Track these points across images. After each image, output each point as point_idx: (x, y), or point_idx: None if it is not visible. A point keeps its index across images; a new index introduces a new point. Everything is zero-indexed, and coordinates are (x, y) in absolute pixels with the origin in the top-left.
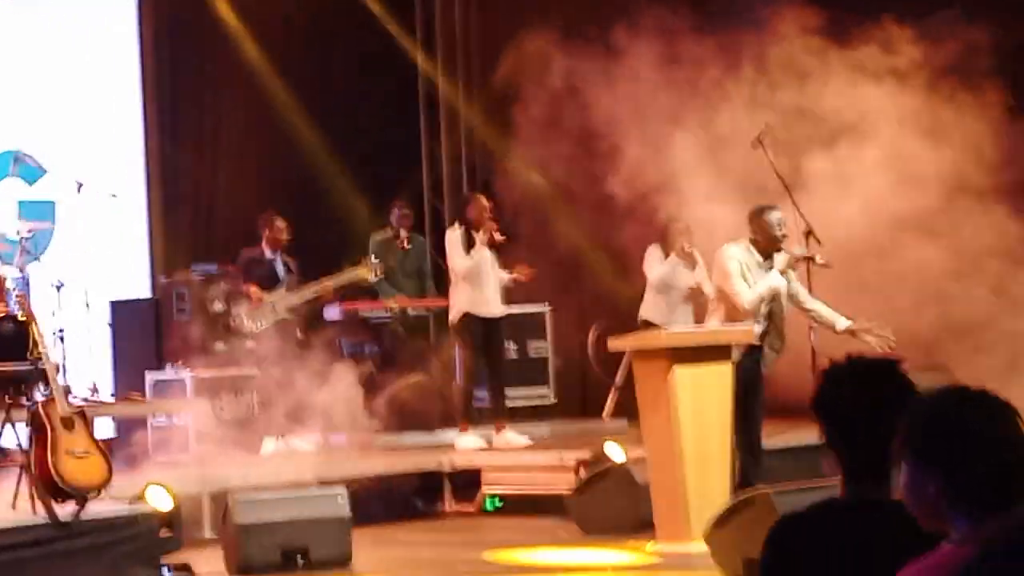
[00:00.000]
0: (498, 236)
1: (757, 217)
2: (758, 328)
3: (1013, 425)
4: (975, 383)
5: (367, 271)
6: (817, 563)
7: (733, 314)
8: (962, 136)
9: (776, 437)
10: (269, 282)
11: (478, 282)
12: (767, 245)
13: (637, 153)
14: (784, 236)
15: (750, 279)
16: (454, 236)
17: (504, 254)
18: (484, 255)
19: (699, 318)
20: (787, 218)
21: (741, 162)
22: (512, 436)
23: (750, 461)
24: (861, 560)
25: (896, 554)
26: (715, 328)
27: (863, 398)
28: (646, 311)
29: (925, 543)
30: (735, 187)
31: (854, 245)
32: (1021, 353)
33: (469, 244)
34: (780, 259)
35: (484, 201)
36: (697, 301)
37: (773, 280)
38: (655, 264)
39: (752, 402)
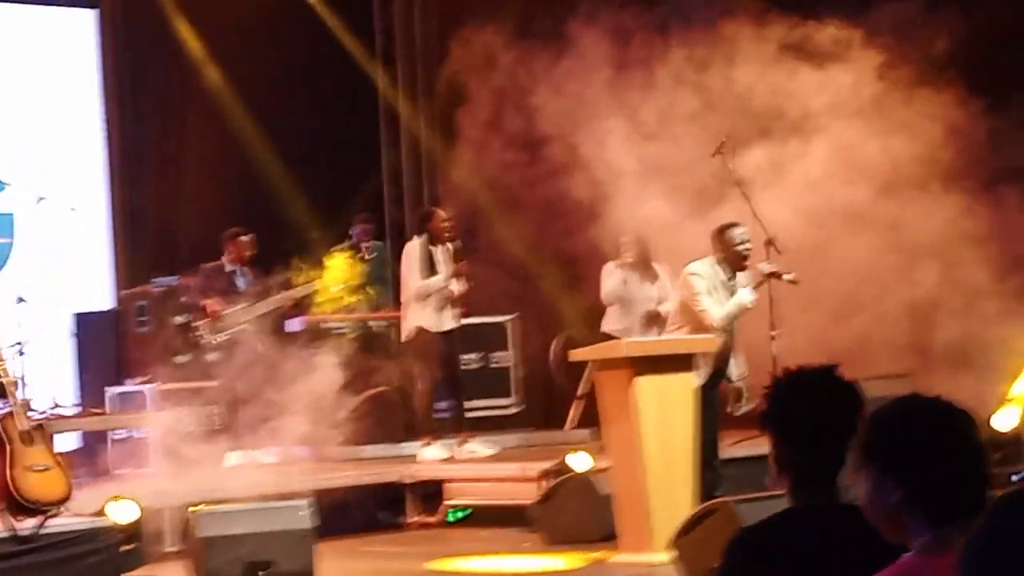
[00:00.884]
0: (464, 283)
1: (721, 234)
2: (719, 340)
3: (972, 433)
4: (937, 391)
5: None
6: (774, 572)
7: (699, 331)
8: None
9: (738, 446)
10: (229, 294)
11: (431, 300)
12: (733, 262)
13: (593, 157)
14: (748, 252)
15: (716, 297)
16: (413, 251)
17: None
18: (441, 284)
19: None
20: (747, 231)
21: (694, 166)
22: (476, 446)
23: (707, 471)
24: (817, 567)
25: (850, 559)
26: (676, 337)
27: (810, 406)
28: (607, 325)
29: (877, 547)
30: (689, 192)
31: (805, 238)
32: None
33: (428, 257)
34: (745, 277)
35: (442, 214)
36: (661, 322)
37: (743, 298)
38: (606, 281)
39: (709, 412)
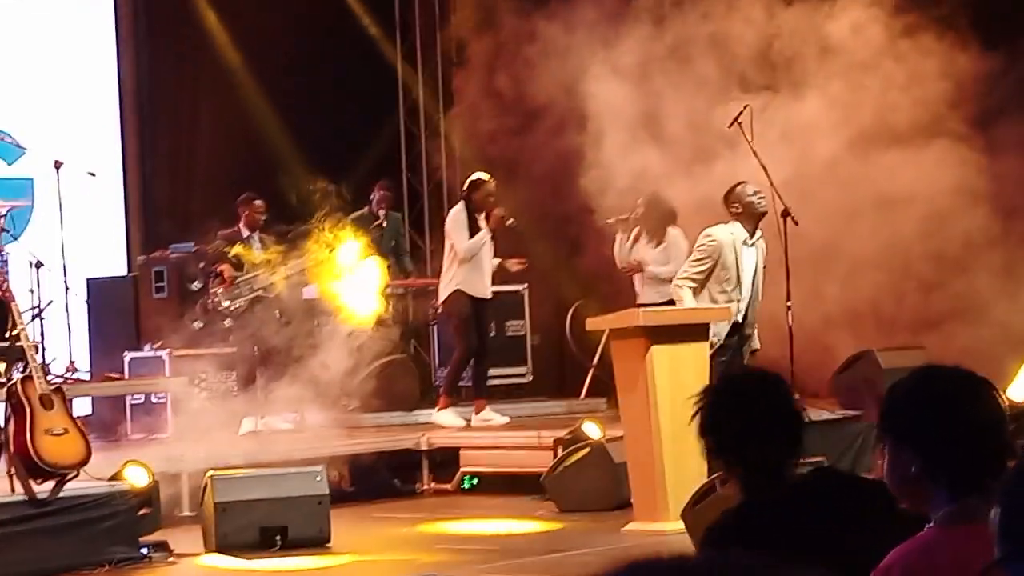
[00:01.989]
0: (509, 222)
1: (731, 195)
2: (735, 306)
3: (990, 401)
4: (951, 360)
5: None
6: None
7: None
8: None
9: None
10: (245, 261)
11: (476, 264)
12: (750, 215)
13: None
14: (763, 201)
15: (739, 258)
16: (457, 214)
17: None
18: (486, 239)
19: None
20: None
21: (703, 127)
22: (491, 415)
23: None
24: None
25: (815, 538)
26: (692, 308)
27: (744, 411)
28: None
29: (837, 522)
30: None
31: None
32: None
33: (471, 225)
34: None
35: (490, 186)
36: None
37: (718, 332)
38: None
39: None
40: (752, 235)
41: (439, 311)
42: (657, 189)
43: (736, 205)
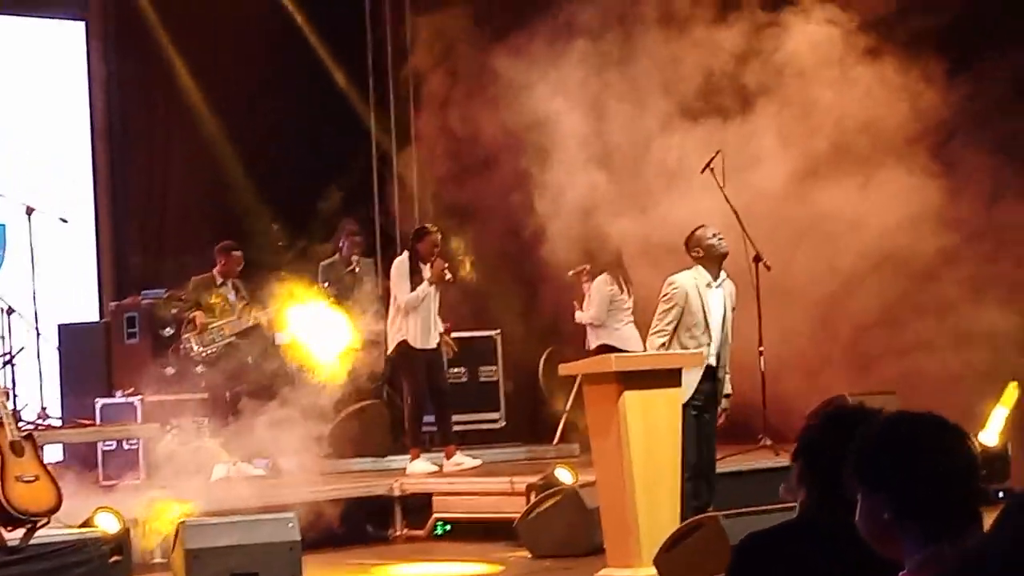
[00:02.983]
0: (447, 275)
1: (691, 240)
2: (705, 350)
3: (961, 447)
4: (924, 407)
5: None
6: None
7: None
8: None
9: (724, 462)
10: (219, 307)
11: (419, 314)
12: (712, 257)
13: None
14: (723, 242)
15: (705, 302)
16: (401, 264)
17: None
18: (428, 291)
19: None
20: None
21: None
22: (462, 459)
23: (704, 485)
24: None
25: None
26: (665, 353)
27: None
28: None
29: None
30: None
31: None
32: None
33: (413, 274)
34: (727, 281)
35: (436, 237)
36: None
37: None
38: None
39: (705, 425)
40: (716, 277)
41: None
42: (605, 236)
43: (697, 249)
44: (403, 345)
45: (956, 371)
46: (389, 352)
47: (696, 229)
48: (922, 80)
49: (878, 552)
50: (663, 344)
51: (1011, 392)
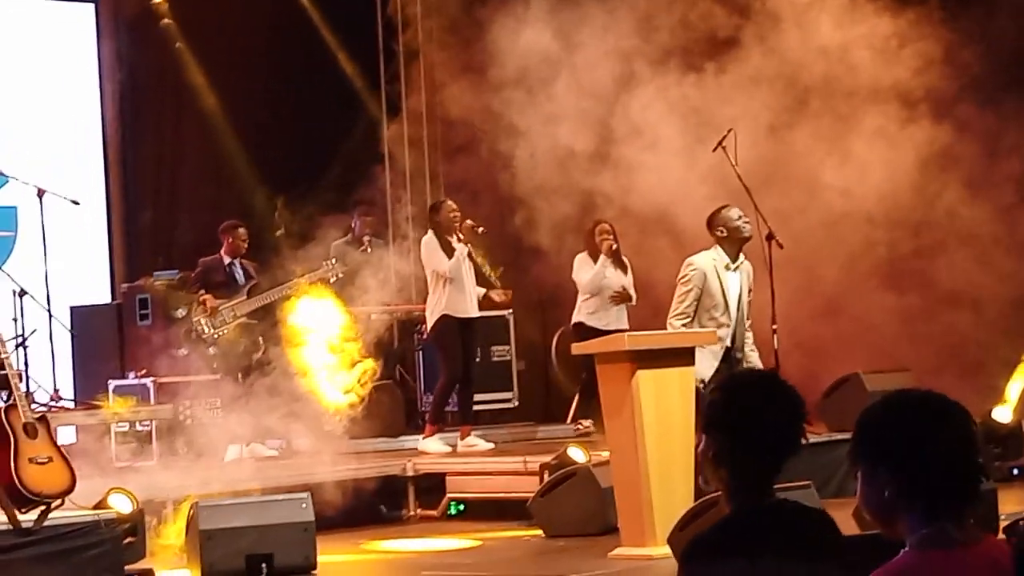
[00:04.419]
0: (480, 229)
1: (715, 218)
2: (726, 332)
3: (962, 426)
4: (932, 384)
5: (326, 273)
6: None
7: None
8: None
9: None
10: (228, 288)
11: (459, 285)
12: (734, 240)
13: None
14: (748, 225)
15: (724, 283)
16: (430, 241)
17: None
18: (462, 258)
19: (631, 318)
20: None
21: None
22: (476, 440)
23: None
24: (764, 568)
25: (794, 557)
26: (677, 332)
27: (752, 411)
28: (580, 315)
29: (817, 544)
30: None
31: None
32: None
33: (444, 247)
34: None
35: (451, 204)
36: (625, 302)
37: (708, 360)
38: (585, 269)
39: None
40: (735, 259)
41: (424, 337)
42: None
43: (721, 229)
44: (444, 318)
45: (972, 346)
46: (430, 326)
47: (721, 208)
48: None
49: (818, 533)
50: (685, 326)
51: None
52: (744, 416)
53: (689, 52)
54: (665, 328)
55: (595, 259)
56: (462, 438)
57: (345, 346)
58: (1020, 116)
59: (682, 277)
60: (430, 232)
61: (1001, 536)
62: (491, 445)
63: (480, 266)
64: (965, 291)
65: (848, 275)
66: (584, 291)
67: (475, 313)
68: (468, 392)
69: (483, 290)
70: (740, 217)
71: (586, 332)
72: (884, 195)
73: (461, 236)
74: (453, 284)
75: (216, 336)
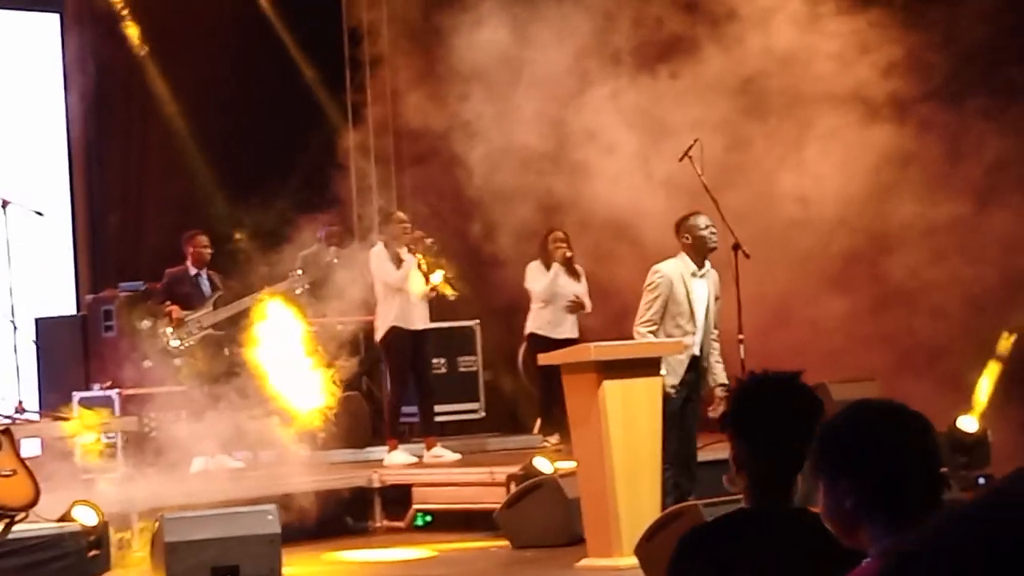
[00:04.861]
0: (429, 241)
1: (684, 223)
2: (692, 339)
3: (924, 435)
4: (896, 394)
5: (292, 284)
6: (724, 572)
7: (672, 332)
8: None
9: (708, 449)
10: (195, 299)
11: (407, 296)
12: (700, 249)
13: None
14: (714, 235)
15: (689, 291)
16: (379, 252)
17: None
18: (412, 269)
19: (582, 328)
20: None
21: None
22: (442, 451)
23: (685, 474)
24: (767, 569)
25: (801, 563)
26: (644, 342)
27: (772, 411)
28: (533, 324)
29: (830, 551)
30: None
31: None
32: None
33: (395, 257)
34: (711, 271)
35: (401, 215)
36: (579, 311)
37: (675, 369)
38: (538, 278)
39: (688, 415)
40: (700, 267)
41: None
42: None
43: (687, 236)
44: (393, 330)
45: (939, 354)
46: (379, 338)
47: (689, 215)
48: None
49: (836, 538)
50: (652, 333)
51: (1004, 343)
52: (761, 419)
53: (646, 56)
54: (625, 335)
55: (548, 267)
56: (428, 449)
57: (308, 358)
58: (983, 117)
59: (648, 284)
60: (379, 243)
61: None
62: (458, 456)
63: (426, 271)
64: (930, 297)
65: (809, 281)
66: (537, 300)
67: (425, 325)
68: (429, 403)
69: (427, 287)
70: (708, 227)
71: (540, 343)
72: (844, 200)
73: (411, 247)
74: (402, 295)
75: (182, 348)
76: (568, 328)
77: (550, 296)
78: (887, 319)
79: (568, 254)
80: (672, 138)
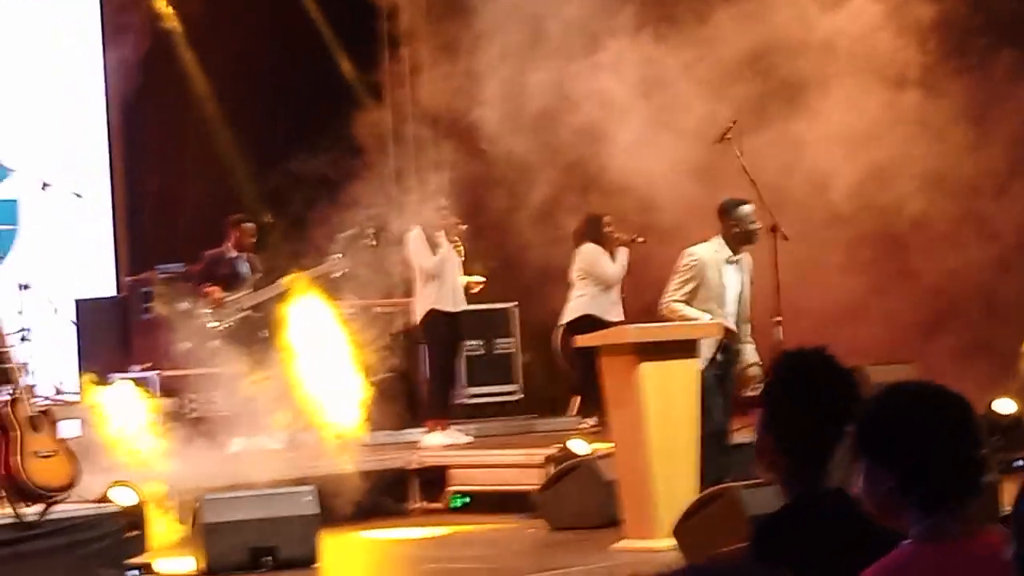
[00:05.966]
0: (464, 227)
1: (730, 211)
2: (731, 322)
3: (964, 419)
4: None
5: (331, 267)
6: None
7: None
8: None
9: (745, 431)
10: (232, 281)
11: (444, 280)
12: (742, 240)
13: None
14: (757, 230)
15: (723, 277)
16: (416, 237)
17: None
18: (449, 253)
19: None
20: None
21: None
22: (455, 434)
23: (718, 455)
24: (829, 554)
25: (856, 544)
26: (681, 324)
27: (810, 388)
28: (593, 307)
29: (878, 530)
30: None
31: None
32: None
33: (430, 244)
34: (747, 257)
35: (442, 201)
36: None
37: (704, 318)
38: (606, 262)
39: (723, 396)
40: (736, 253)
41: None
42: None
43: (735, 225)
44: (432, 313)
45: (976, 337)
46: (418, 321)
47: (739, 204)
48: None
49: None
50: (684, 305)
51: None
52: (799, 399)
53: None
54: (656, 319)
55: (606, 251)
56: (442, 430)
57: (343, 341)
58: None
59: (682, 267)
60: (417, 228)
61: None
62: (469, 438)
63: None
64: (969, 281)
65: (849, 265)
66: (607, 284)
67: (461, 308)
68: (452, 386)
69: (466, 278)
70: (755, 221)
71: (599, 326)
72: (878, 178)
73: (448, 233)
74: (439, 280)
75: (220, 329)
76: (619, 311)
77: (619, 280)
78: (923, 299)
79: (629, 238)
80: (710, 119)
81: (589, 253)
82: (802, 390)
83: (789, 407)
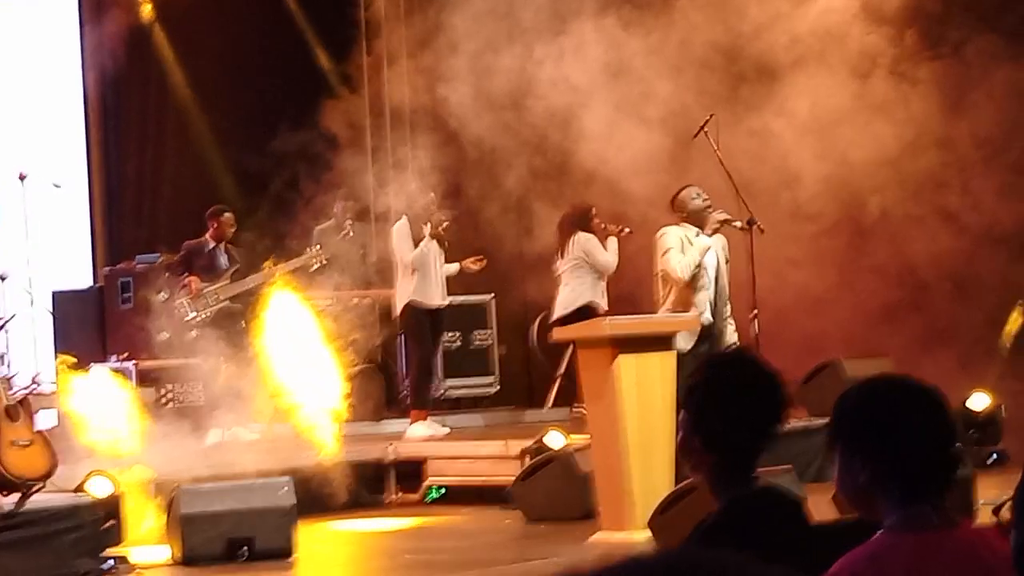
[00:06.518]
0: (444, 224)
1: (676, 200)
2: (707, 313)
3: (938, 412)
4: (907, 371)
5: (309, 259)
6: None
7: (686, 295)
8: None
9: None
10: (211, 272)
11: (425, 273)
12: (697, 218)
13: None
14: (707, 202)
15: (689, 252)
16: (401, 228)
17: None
18: (431, 247)
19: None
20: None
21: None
22: (434, 426)
23: None
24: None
25: (788, 544)
26: (659, 317)
27: (735, 390)
28: (590, 296)
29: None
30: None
31: None
32: None
33: (414, 237)
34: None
35: (429, 195)
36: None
37: (702, 242)
38: (602, 251)
39: None
40: (698, 235)
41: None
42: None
43: (681, 211)
44: (411, 305)
45: (951, 331)
46: (397, 313)
47: (681, 191)
48: None
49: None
50: (691, 263)
51: (1015, 318)
52: (727, 399)
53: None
54: (635, 310)
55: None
56: (423, 421)
57: (319, 334)
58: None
59: (662, 239)
60: (403, 219)
61: (992, 519)
62: (447, 430)
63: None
64: (942, 274)
65: (819, 256)
66: (604, 272)
67: (442, 302)
68: (429, 377)
69: (457, 265)
70: (699, 195)
71: (594, 314)
72: (855, 170)
73: (433, 226)
74: (420, 273)
75: (198, 319)
76: (606, 302)
77: (614, 269)
78: (898, 294)
79: (617, 229)
80: (683, 114)
81: (587, 241)
82: (730, 392)
83: (715, 409)
